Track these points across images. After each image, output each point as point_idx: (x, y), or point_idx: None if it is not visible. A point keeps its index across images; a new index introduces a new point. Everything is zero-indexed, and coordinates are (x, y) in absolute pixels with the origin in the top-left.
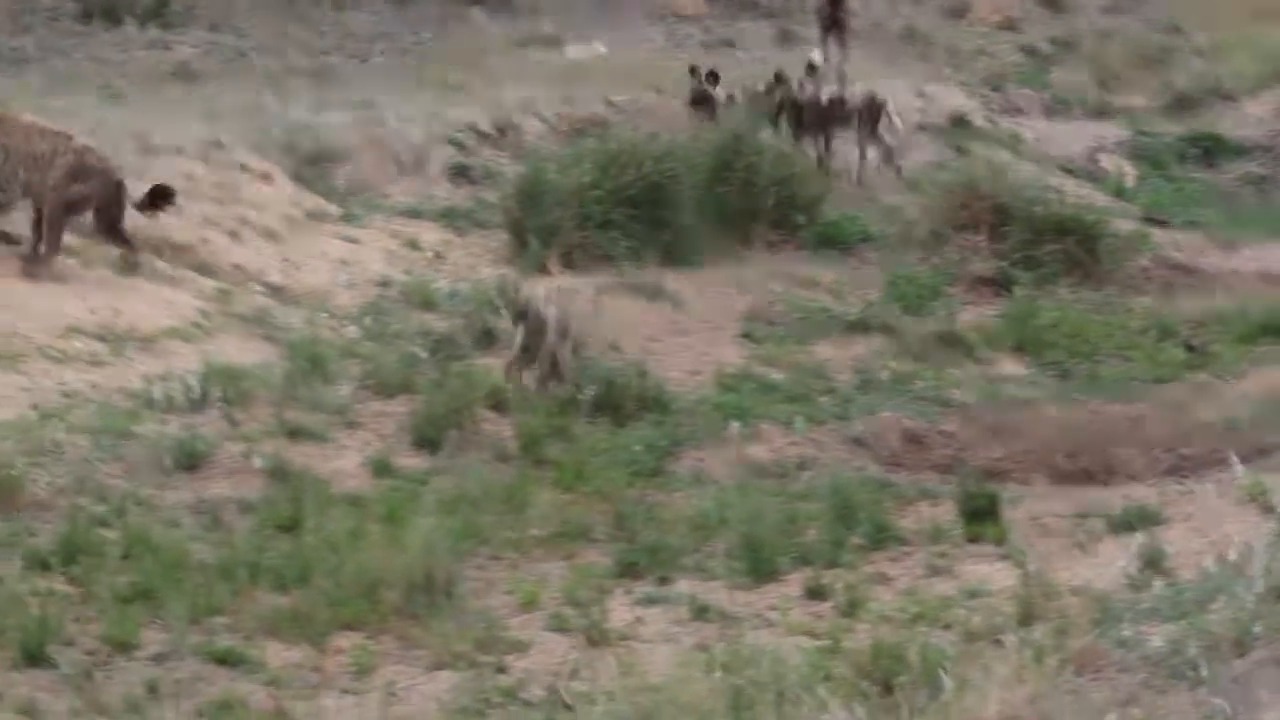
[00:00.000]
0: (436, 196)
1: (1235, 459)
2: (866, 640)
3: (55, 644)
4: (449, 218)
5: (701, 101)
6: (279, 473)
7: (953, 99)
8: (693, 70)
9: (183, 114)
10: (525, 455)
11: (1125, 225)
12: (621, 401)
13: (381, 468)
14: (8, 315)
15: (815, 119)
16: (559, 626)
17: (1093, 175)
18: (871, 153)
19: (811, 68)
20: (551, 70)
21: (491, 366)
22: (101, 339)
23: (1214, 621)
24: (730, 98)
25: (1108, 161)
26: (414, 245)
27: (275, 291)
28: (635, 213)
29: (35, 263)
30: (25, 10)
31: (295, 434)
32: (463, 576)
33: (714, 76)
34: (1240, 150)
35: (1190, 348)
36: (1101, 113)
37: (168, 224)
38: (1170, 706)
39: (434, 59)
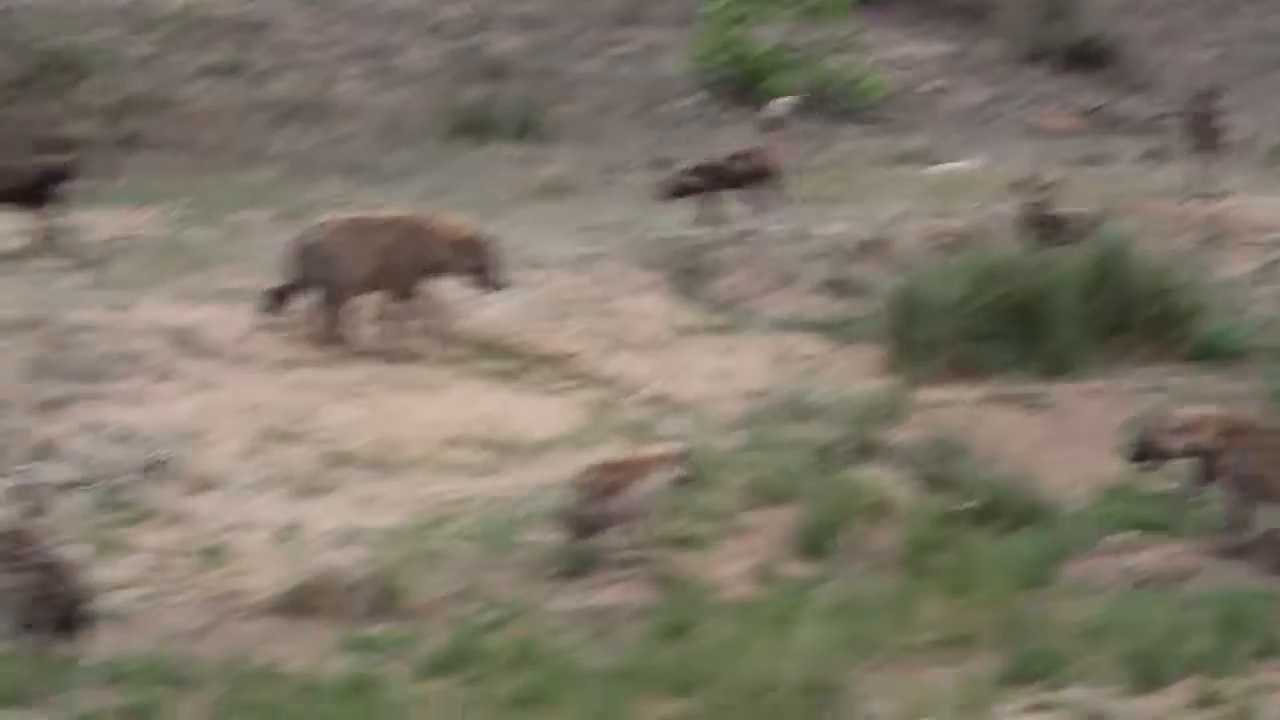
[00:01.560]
0: (812, 309)
1: None
2: None
3: None
4: (825, 329)
5: (1042, 223)
6: (666, 580)
7: None
8: (1027, 186)
9: (557, 228)
10: (910, 563)
11: None
12: (1005, 511)
13: (766, 575)
14: (393, 425)
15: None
16: None
17: None
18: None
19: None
20: (924, 185)
21: (873, 476)
22: (484, 448)
23: None
24: (1078, 218)
25: None
26: (791, 357)
27: (655, 402)
28: (1012, 325)
29: None
30: (395, 128)
31: (680, 542)
32: (850, 682)
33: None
34: None
35: None
36: None
37: (550, 336)
38: None
39: (808, 174)
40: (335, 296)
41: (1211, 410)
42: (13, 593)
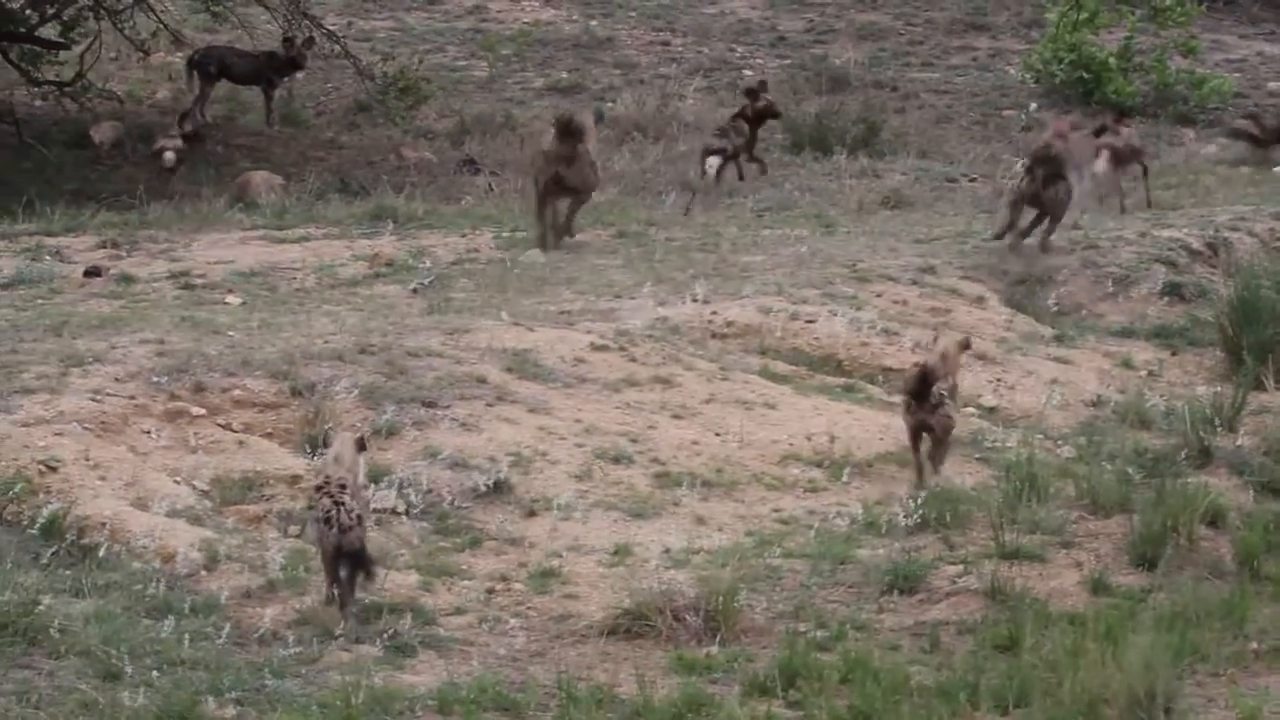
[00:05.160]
0: (1149, 316)
1: None
2: None
3: None
4: (1162, 336)
5: None
6: (997, 593)
7: None
8: None
9: (894, 240)
10: (1243, 571)
11: None
12: None
13: (1099, 586)
14: (726, 444)
15: None
16: None
17: None
18: None
19: None
20: (1265, 187)
21: (1208, 484)
22: (818, 465)
23: None
24: None
25: None
26: (1127, 364)
27: (989, 413)
28: None
29: None
30: None
31: (1012, 555)
32: (1182, 693)
33: None
34: None
35: None
36: None
37: (882, 351)
38: None
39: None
40: None
41: None
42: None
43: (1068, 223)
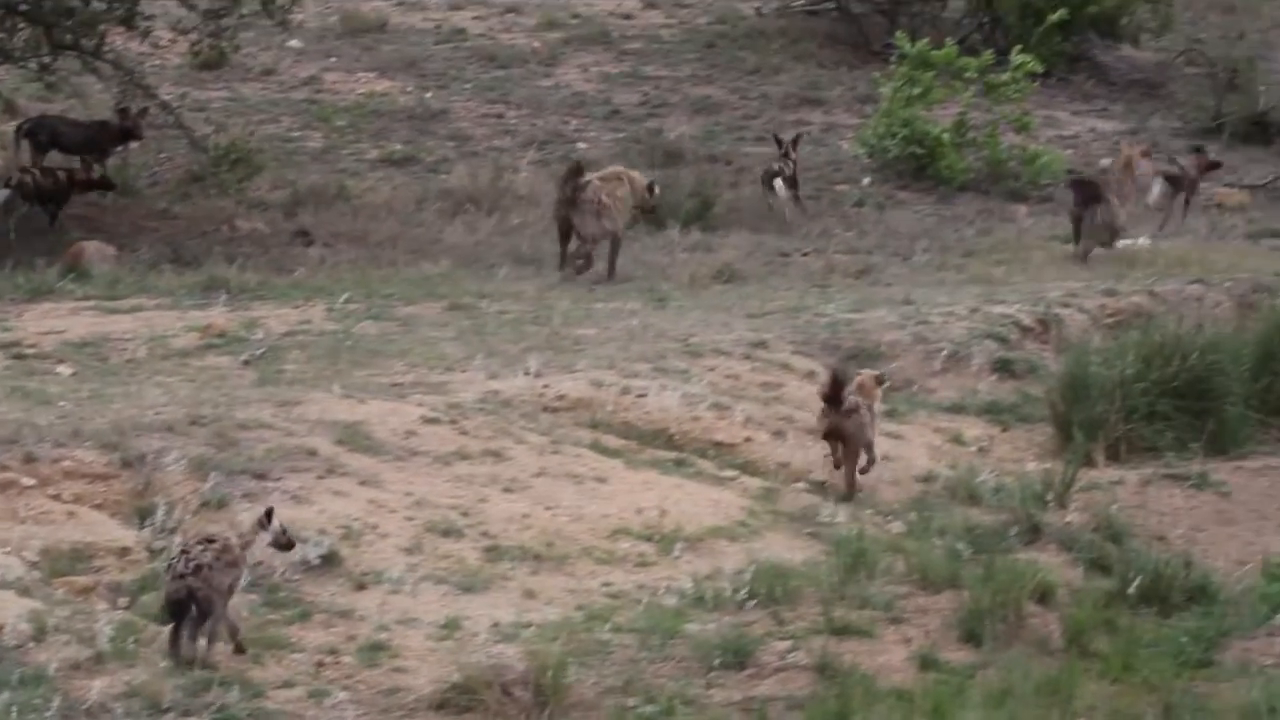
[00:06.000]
0: (979, 391)
1: None
2: None
3: None
4: (992, 412)
5: None
6: (826, 669)
7: None
8: None
9: (726, 315)
10: (1071, 647)
11: None
12: (1167, 592)
13: (928, 662)
14: (557, 517)
15: None
16: None
17: None
18: None
19: None
20: (1093, 263)
21: (1037, 560)
22: (648, 539)
23: None
24: None
25: None
26: (958, 440)
27: (820, 488)
28: (1179, 403)
29: None
30: None
31: (841, 630)
32: None
33: None
34: None
35: None
36: None
37: (713, 425)
38: None
39: (977, 255)
40: None
41: None
42: None
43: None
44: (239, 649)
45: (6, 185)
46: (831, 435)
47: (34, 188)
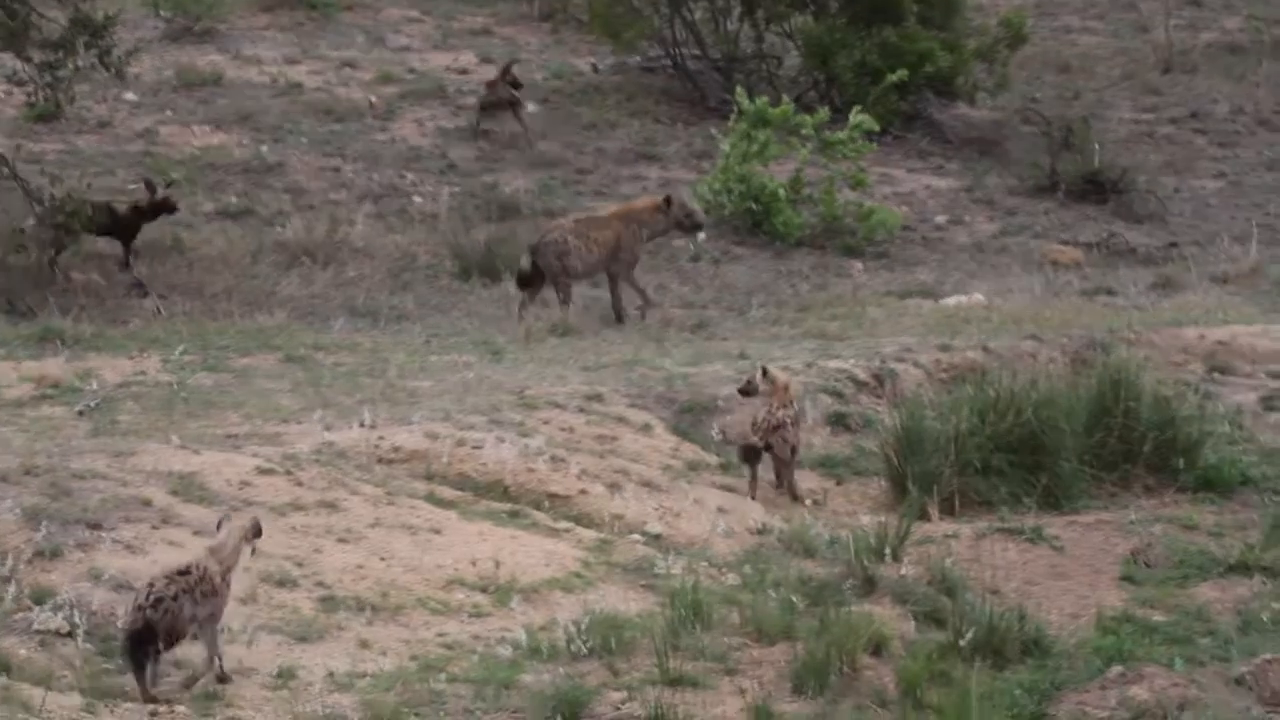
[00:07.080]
0: (814, 445)
1: None
2: None
3: None
4: (827, 465)
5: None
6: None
7: None
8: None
9: (561, 368)
10: (905, 700)
11: None
12: (1002, 645)
13: (762, 714)
14: (392, 568)
15: None
16: None
17: None
18: (1251, 397)
19: None
20: (928, 319)
21: (871, 612)
22: (483, 590)
23: None
24: None
25: None
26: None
27: (655, 541)
28: (1014, 458)
29: None
30: (405, 269)
31: (676, 681)
32: None
33: None
34: None
35: None
36: None
37: (548, 478)
38: None
39: (812, 310)
40: None
41: None
42: None
43: None
44: (222, 679)
45: None
46: (753, 455)
47: None
